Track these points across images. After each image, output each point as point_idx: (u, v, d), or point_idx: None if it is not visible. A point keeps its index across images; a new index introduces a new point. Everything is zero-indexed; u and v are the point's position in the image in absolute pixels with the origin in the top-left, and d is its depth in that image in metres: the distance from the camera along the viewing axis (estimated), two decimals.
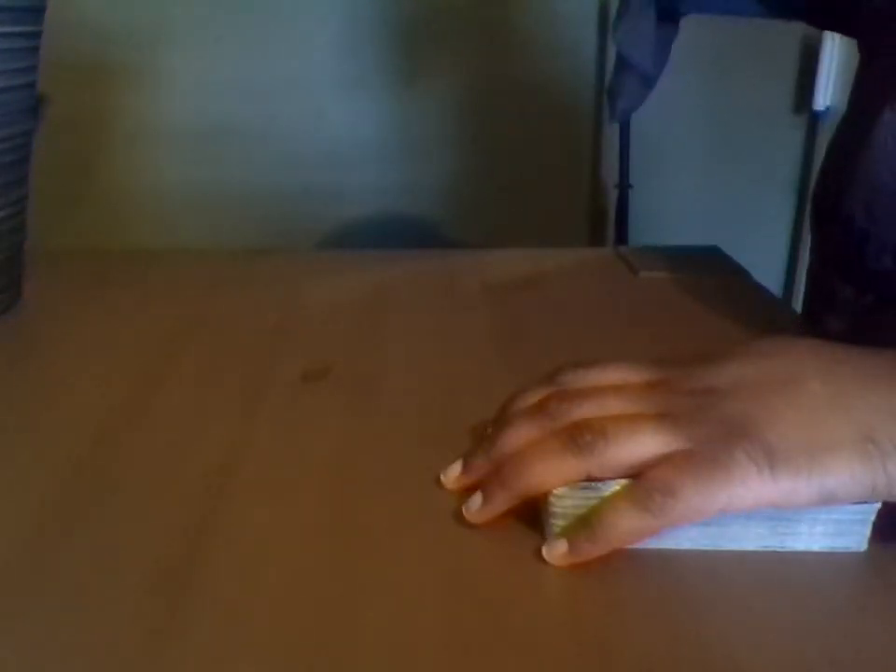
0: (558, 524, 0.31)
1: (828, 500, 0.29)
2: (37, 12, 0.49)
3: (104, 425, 0.40)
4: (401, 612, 0.28)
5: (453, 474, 0.34)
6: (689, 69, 1.19)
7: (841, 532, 0.31)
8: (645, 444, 0.30)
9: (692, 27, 1.38)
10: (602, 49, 1.37)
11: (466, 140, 1.40)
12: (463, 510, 0.32)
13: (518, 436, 0.32)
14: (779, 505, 0.29)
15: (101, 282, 0.60)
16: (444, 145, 1.40)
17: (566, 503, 0.30)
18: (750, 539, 0.31)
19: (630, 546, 0.30)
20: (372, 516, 0.33)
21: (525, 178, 1.41)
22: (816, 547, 0.31)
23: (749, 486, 0.28)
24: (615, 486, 0.30)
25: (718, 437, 0.29)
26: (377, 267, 0.64)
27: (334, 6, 1.31)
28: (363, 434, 0.39)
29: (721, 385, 0.31)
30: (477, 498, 0.32)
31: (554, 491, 0.30)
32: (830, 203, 0.47)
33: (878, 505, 0.30)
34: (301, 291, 0.59)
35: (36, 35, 0.50)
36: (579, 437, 0.30)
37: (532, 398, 0.34)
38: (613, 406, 0.32)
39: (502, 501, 0.32)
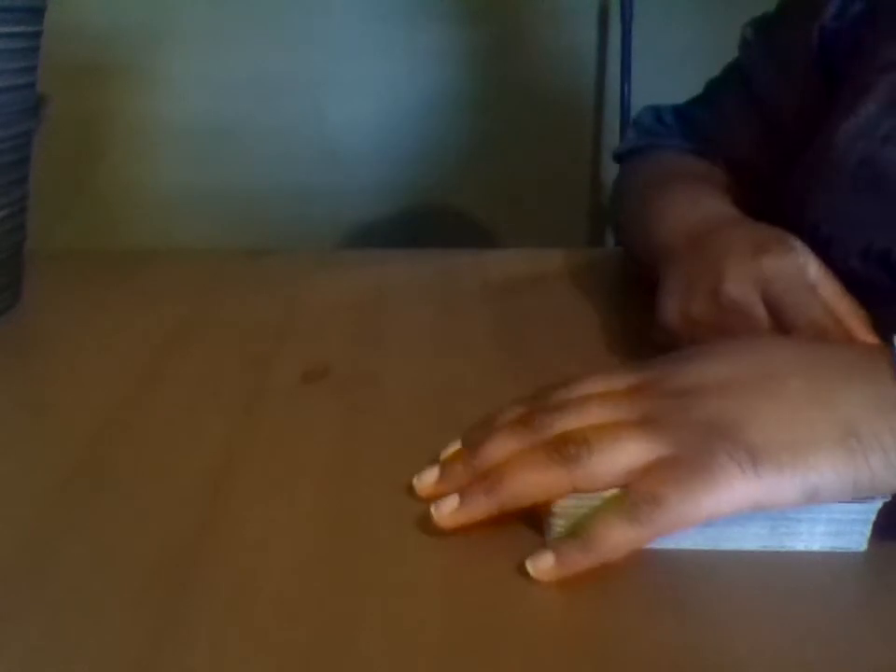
0: (559, 523, 0.31)
1: (812, 498, 0.29)
2: (37, 12, 0.49)
3: (103, 424, 0.40)
4: (401, 612, 0.28)
5: (428, 480, 0.33)
6: (688, 69, 1.19)
7: (841, 532, 0.31)
8: (629, 452, 0.30)
9: (692, 26, 1.38)
10: (602, 49, 1.37)
11: (466, 140, 1.40)
12: (432, 509, 0.31)
13: (504, 447, 0.32)
14: (764, 504, 0.29)
15: (101, 282, 0.60)
16: (444, 145, 1.40)
17: (567, 503, 0.30)
18: (750, 539, 0.31)
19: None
20: (372, 516, 0.33)
21: (525, 178, 1.41)
22: (816, 547, 0.31)
23: (734, 488, 0.28)
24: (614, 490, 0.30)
25: (700, 440, 0.29)
26: (377, 267, 0.64)
27: (334, 6, 1.31)
28: (363, 434, 0.39)
29: (702, 383, 0.31)
30: (452, 501, 0.31)
31: None
32: (796, 213, 0.48)
33: (879, 504, 0.30)
34: (301, 291, 0.59)
35: (36, 35, 0.50)
36: (563, 449, 0.30)
37: (512, 414, 0.34)
38: (595, 415, 0.32)
39: (482, 508, 0.31)
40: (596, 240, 1.47)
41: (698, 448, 0.29)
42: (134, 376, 0.45)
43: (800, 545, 0.31)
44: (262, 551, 0.31)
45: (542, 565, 0.29)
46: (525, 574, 0.30)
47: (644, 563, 0.30)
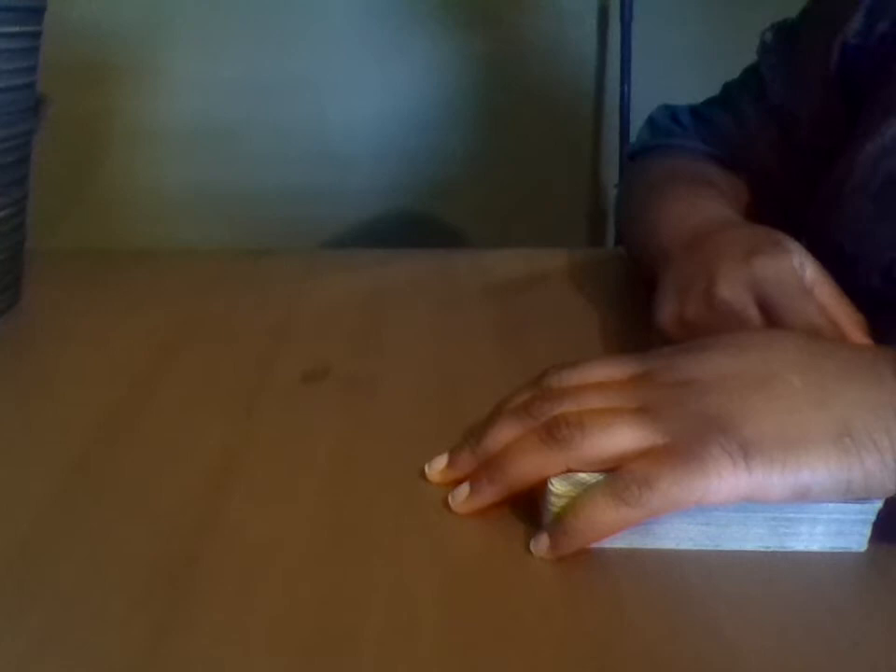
0: (555, 503, 0.31)
1: (803, 496, 0.29)
2: (37, 12, 0.49)
3: (103, 424, 0.40)
4: (402, 612, 0.28)
5: (438, 467, 0.35)
6: (689, 69, 1.19)
7: (841, 532, 0.31)
8: (622, 436, 0.30)
9: (692, 26, 1.38)
10: (602, 49, 1.37)
11: (466, 140, 1.40)
12: (449, 499, 0.33)
13: (503, 434, 0.33)
14: (754, 498, 0.29)
15: (101, 282, 0.60)
16: (445, 145, 1.40)
17: (562, 486, 0.31)
18: (750, 539, 0.31)
19: (621, 543, 0.31)
20: (372, 516, 0.33)
21: (526, 179, 1.41)
22: (816, 547, 0.31)
23: (724, 478, 0.28)
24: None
25: (694, 431, 0.29)
26: (377, 267, 0.64)
27: (334, 6, 1.31)
28: (362, 434, 0.39)
29: (702, 376, 0.31)
30: (464, 490, 0.33)
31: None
32: (819, 232, 0.48)
33: (879, 505, 0.30)
34: (301, 291, 0.59)
35: (36, 35, 0.50)
36: (556, 431, 0.31)
37: (519, 400, 0.35)
38: (593, 401, 0.32)
39: (489, 495, 0.32)
40: (596, 240, 1.47)
41: (692, 438, 0.29)
42: (134, 376, 0.45)
43: (800, 545, 0.31)
44: (262, 551, 0.31)
45: (540, 546, 0.31)
46: (524, 575, 0.30)
47: (644, 562, 0.30)
